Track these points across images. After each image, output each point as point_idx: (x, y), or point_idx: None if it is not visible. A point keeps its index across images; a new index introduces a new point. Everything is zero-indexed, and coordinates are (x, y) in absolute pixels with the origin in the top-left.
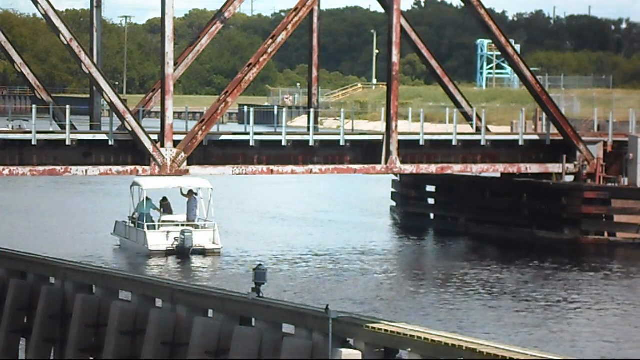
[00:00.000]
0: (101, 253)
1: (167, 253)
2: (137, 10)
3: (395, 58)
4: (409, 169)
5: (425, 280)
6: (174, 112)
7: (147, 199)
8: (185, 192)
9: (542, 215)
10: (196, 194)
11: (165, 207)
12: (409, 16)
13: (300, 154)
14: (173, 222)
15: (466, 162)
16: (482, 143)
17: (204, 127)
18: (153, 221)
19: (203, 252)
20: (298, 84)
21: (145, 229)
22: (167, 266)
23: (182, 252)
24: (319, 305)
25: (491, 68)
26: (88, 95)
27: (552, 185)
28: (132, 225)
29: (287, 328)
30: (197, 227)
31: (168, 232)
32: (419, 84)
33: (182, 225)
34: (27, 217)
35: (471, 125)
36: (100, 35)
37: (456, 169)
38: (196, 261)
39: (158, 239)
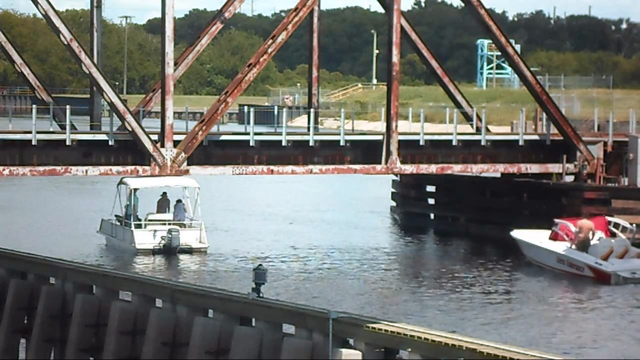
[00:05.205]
0: (87, 251)
1: (154, 252)
2: (137, 10)
3: (395, 58)
4: (409, 169)
5: (425, 281)
6: (174, 112)
7: (135, 197)
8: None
9: (542, 215)
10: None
11: (163, 204)
12: (409, 16)
13: (300, 154)
14: (160, 220)
15: (466, 162)
16: (482, 143)
17: (204, 127)
18: (140, 219)
19: (190, 251)
20: (298, 84)
21: (132, 228)
22: (154, 265)
23: (169, 251)
24: (318, 306)
25: (491, 68)
26: (88, 95)
27: (552, 185)
28: (119, 223)
29: (287, 328)
30: (184, 226)
31: (155, 230)
32: (419, 84)
33: (169, 224)
34: (13, 216)
35: (471, 125)
36: (100, 35)
37: (456, 169)
38: (183, 260)
39: (145, 238)
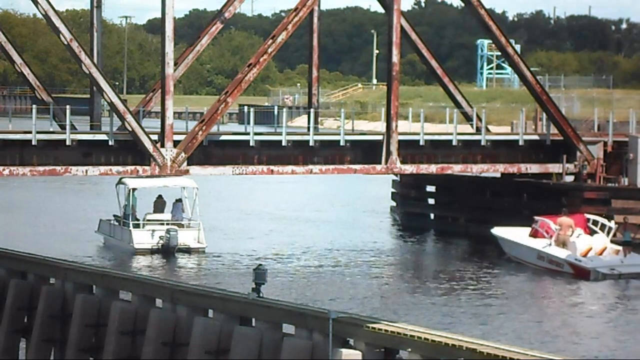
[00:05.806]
0: (85, 251)
1: (152, 251)
2: (137, 10)
3: (395, 58)
4: (409, 169)
5: (425, 281)
6: (174, 112)
7: (133, 197)
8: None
9: (542, 215)
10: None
11: (159, 205)
12: (409, 16)
13: (300, 154)
14: (158, 220)
15: (466, 162)
16: (482, 143)
17: (204, 127)
18: (138, 219)
19: (188, 251)
20: (298, 84)
21: (131, 227)
22: (152, 265)
23: (167, 251)
24: (318, 306)
25: (491, 68)
26: (88, 95)
27: (552, 185)
28: (117, 223)
29: (287, 328)
30: (182, 226)
31: (153, 230)
32: (419, 84)
33: (167, 224)
34: (13, 216)
35: (471, 125)
36: (100, 35)
37: (456, 169)
38: (181, 260)
39: (143, 237)
